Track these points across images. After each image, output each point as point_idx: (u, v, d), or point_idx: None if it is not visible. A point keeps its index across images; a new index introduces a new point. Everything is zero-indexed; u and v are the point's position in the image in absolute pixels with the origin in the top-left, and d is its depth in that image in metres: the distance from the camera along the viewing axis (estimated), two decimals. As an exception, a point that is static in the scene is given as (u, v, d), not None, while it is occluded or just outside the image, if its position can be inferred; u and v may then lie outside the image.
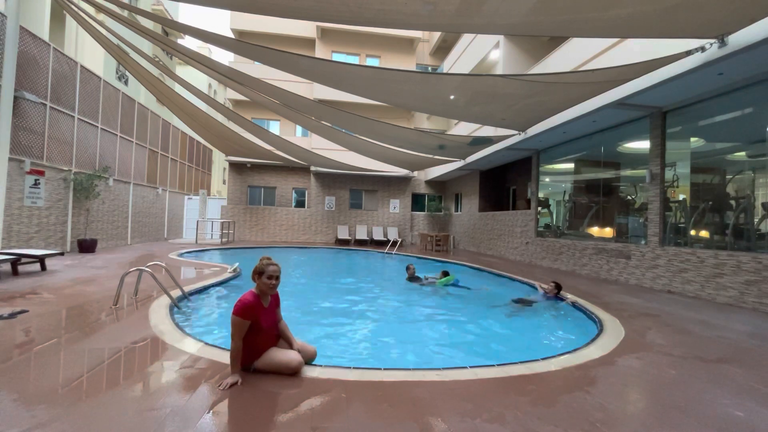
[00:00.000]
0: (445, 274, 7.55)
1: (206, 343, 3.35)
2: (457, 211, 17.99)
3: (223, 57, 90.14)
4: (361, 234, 18.10)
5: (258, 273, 2.83)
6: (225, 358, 2.93)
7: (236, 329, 2.60)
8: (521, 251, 11.90)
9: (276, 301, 3.00)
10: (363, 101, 16.43)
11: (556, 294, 6.16)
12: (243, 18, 18.25)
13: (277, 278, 2.84)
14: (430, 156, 12.08)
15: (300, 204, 19.09)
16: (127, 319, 4.12)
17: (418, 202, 19.59)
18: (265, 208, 17.99)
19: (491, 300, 6.59)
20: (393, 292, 7.34)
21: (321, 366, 2.96)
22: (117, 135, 12.60)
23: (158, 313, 4.30)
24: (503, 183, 15.38)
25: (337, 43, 18.81)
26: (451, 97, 6.71)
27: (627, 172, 8.46)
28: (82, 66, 10.65)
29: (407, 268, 8.05)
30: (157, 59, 18.25)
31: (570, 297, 5.97)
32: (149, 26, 17.91)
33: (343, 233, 17.89)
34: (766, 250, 5.61)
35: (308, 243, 17.26)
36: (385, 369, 2.97)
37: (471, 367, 3.03)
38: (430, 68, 19.98)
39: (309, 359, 2.99)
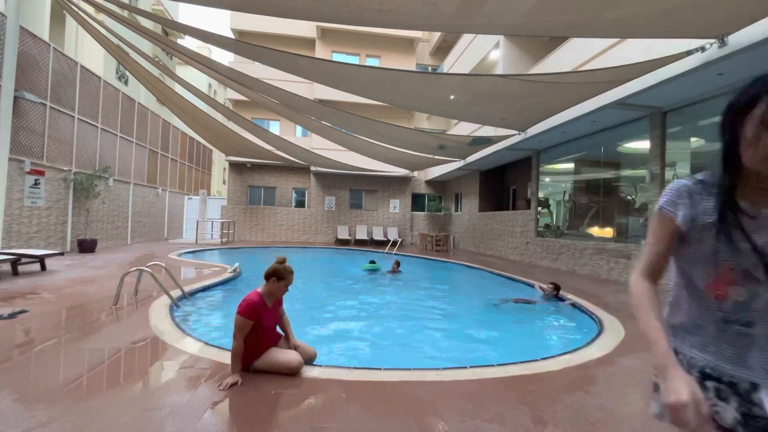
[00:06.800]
0: (372, 262, 9.46)
1: (206, 343, 3.35)
2: (457, 211, 17.99)
3: (223, 57, 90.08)
4: (361, 234, 18.10)
5: (277, 277, 2.81)
6: (225, 358, 2.93)
7: (239, 329, 2.61)
8: (521, 251, 11.90)
9: (279, 301, 3.01)
10: (363, 101, 16.42)
11: (555, 295, 6.16)
12: (243, 18, 18.25)
13: None
14: (430, 156, 12.08)
15: (300, 204, 19.09)
16: (127, 319, 4.12)
17: (418, 202, 19.58)
18: (265, 208, 17.99)
19: (491, 299, 6.59)
20: (391, 292, 7.34)
21: (321, 366, 2.96)
22: (117, 135, 12.61)
23: (158, 313, 4.30)
24: (503, 183, 15.38)
25: (337, 43, 18.80)
26: (451, 97, 6.71)
27: (627, 172, 8.46)
28: (82, 66, 10.65)
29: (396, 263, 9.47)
30: (157, 59, 18.24)
31: (570, 297, 5.97)
32: (149, 26, 17.91)
33: (343, 233, 17.89)
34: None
35: (308, 243, 17.25)
36: (384, 369, 2.96)
37: (471, 367, 3.03)
38: (430, 68, 19.98)
39: (309, 360, 2.99)
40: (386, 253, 13.63)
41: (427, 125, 19.46)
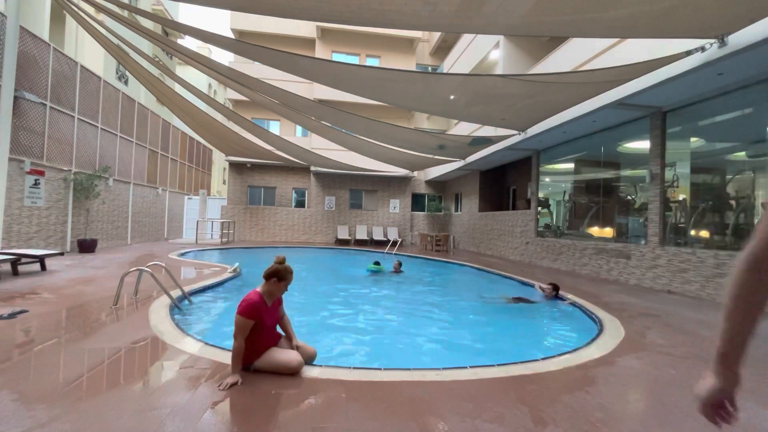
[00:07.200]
0: (377, 263, 9.40)
1: (206, 343, 3.35)
2: (457, 211, 17.99)
3: (223, 57, 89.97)
4: (361, 234, 18.10)
5: (277, 277, 2.83)
6: (225, 357, 2.93)
7: (240, 329, 2.61)
8: (521, 251, 11.90)
9: (279, 301, 3.01)
10: (363, 101, 16.42)
11: (555, 295, 6.16)
12: (243, 18, 18.25)
13: None
14: (430, 156, 12.08)
15: (300, 204, 19.09)
16: (127, 319, 4.12)
17: (418, 202, 19.58)
18: (265, 208, 17.99)
19: (488, 298, 6.59)
20: (392, 292, 7.34)
21: (321, 366, 2.96)
22: (117, 135, 12.61)
23: (158, 313, 4.30)
24: (503, 183, 15.38)
25: (337, 43, 18.81)
26: (451, 97, 6.71)
27: (627, 172, 8.46)
28: (82, 66, 10.65)
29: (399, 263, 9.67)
30: (157, 59, 18.24)
31: (570, 297, 5.98)
32: (149, 26, 17.91)
33: (343, 233, 17.89)
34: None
35: (308, 243, 17.25)
36: (384, 369, 2.96)
37: (471, 367, 3.03)
38: (430, 68, 19.97)
39: (309, 359, 2.99)
40: (386, 253, 13.62)
41: (427, 125, 19.46)
